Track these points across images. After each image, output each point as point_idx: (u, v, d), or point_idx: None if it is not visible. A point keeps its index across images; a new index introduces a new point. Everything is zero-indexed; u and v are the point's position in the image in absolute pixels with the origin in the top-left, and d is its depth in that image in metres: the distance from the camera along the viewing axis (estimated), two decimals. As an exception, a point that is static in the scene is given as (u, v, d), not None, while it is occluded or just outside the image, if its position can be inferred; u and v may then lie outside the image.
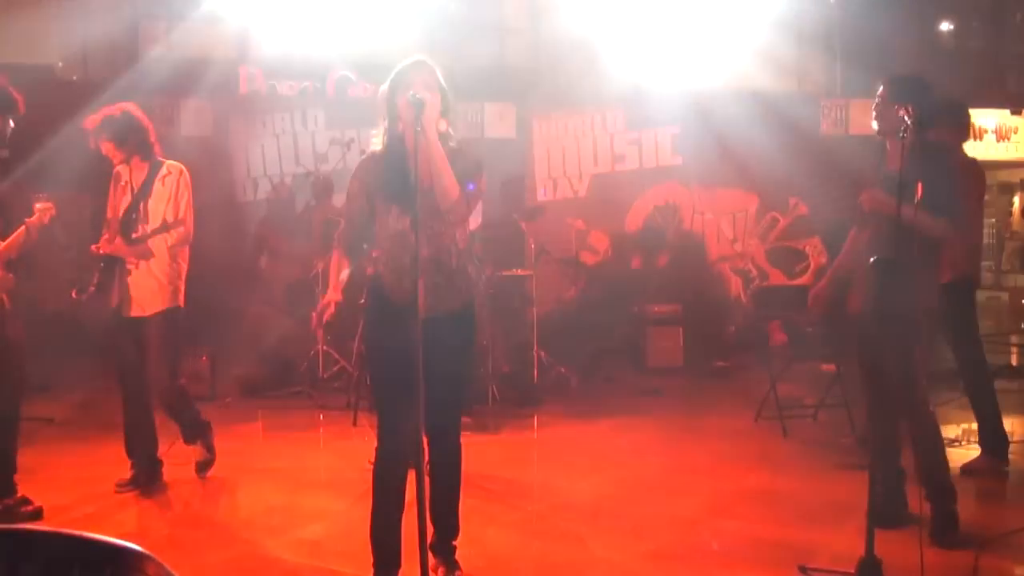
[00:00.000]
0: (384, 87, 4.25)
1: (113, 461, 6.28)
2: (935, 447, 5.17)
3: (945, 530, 4.93)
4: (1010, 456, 6.62)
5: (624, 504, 5.91)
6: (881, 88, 5.33)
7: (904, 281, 4.57)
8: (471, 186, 4.20)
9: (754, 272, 13.06)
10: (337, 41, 12.02)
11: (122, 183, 6.19)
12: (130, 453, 6.20)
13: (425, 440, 4.06)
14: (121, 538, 1.72)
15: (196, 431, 6.37)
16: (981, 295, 20.36)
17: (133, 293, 6.08)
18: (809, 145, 12.55)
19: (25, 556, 1.69)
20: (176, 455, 6.39)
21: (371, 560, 4.28)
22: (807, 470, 6.60)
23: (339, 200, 10.32)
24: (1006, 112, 18.99)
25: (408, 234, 4.08)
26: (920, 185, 4.78)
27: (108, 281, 6.12)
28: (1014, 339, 13.43)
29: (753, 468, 6.69)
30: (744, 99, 12.37)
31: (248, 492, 6.24)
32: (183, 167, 6.22)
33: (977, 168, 6.89)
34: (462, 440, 4.50)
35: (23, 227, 5.74)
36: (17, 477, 5.71)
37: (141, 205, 6.09)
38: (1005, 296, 20.22)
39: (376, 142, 4.35)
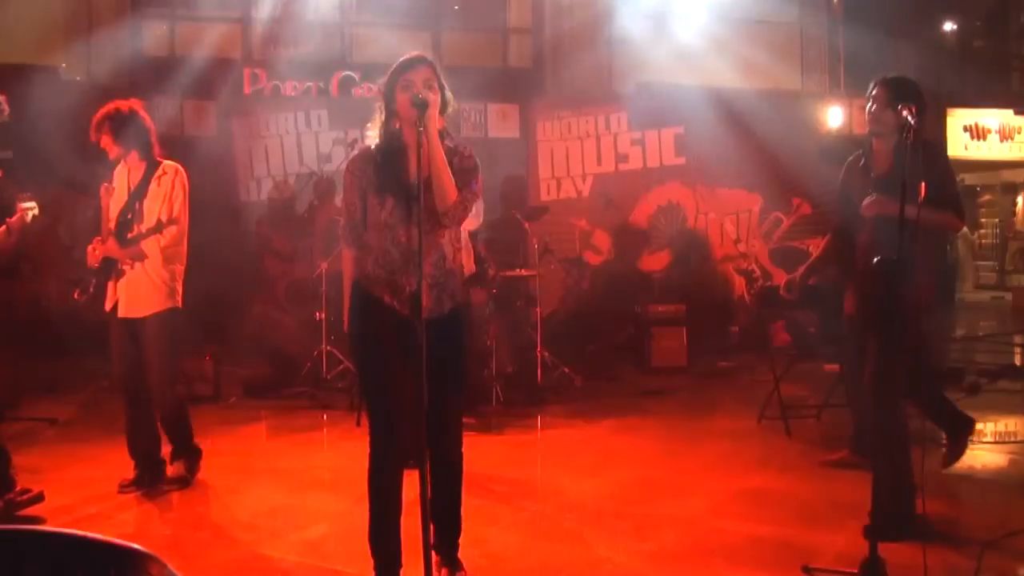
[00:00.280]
0: (382, 80, 4.22)
1: (116, 462, 6.28)
2: (903, 446, 5.13)
3: (890, 530, 4.65)
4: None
5: (627, 504, 5.90)
6: (876, 90, 5.33)
7: (908, 280, 4.58)
8: (472, 186, 4.17)
9: (757, 272, 13.07)
10: (341, 41, 12.02)
11: (114, 184, 6.16)
12: (133, 454, 6.19)
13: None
14: (124, 538, 1.72)
15: (185, 452, 6.31)
16: (984, 295, 20.27)
17: (128, 294, 6.05)
18: (812, 145, 12.56)
19: (28, 556, 1.69)
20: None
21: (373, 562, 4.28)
22: (810, 470, 6.59)
23: (339, 199, 10.35)
24: (1009, 112, 19.00)
25: (398, 228, 4.08)
26: (924, 185, 4.78)
27: (104, 282, 6.12)
28: (1017, 339, 13.40)
29: (756, 468, 6.69)
30: (747, 99, 12.37)
31: (251, 493, 6.24)
32: (179, 167, 6.17)
33: None
34: (465, 440, 4.49)
35: (3, 226, 5.74)
36: (20, 477, 5.71)
37: (136, 205, 6.06)
38: (1008, 296, 20.19)
39: (372, 135, 4.31)
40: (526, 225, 9.94)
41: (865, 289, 5.25)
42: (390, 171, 4.14)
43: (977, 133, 18.86)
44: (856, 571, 4.30)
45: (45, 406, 8.47)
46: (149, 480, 6.15)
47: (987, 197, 26.57)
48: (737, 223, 13.36)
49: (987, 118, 18.93)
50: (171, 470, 6.27)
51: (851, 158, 5.70)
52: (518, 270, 9.60)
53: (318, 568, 4.84)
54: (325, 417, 8.63)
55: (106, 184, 6.13)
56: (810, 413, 7.93)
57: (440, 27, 13.21)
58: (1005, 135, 19.13)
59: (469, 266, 6.52)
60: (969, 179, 24.96)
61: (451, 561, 4.46)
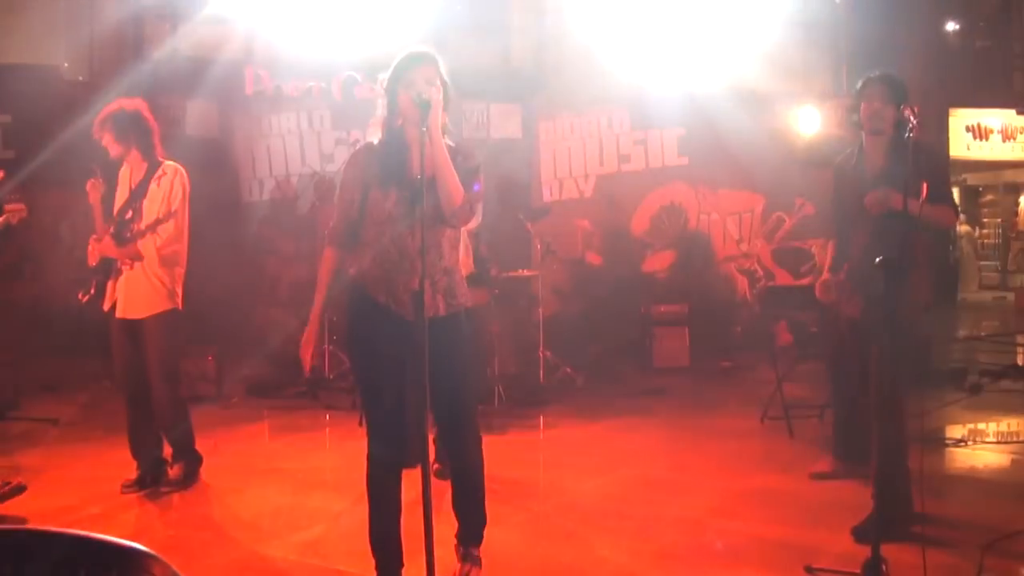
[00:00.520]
0: (384, 76, 4.19)
1: (118, 462, 6.29)
2: (902, 453, 5.13)
3: (880, 532, 4.47)
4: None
5: (630, 504, 5.91)
6: (873, 87, 5.30)
7: (909, 280, 4.59)
8: (476, 187, 4.15)
9: (760, 272, 13.06)
10: (343, 41, 12.02)
11: (109, 182, 6.14)
12: (135, 454, 6.19)
13: (431, 440, 4.04)
14: (127, 538, 1.72)
15: (184, 454, 6.30)
16: (987, 296, 20.26)
17: (127, 294, 6.05)
18: (815, 145, 12.55)
19: (31, 556, 1.69)
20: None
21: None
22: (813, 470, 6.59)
23: (337, 197, 10.33)
24: (1012, 112, 18.98)
25: (399, 224, 4.06)
26: (925, 183, 4.78)
27: (105, 281, 6.11)
28: (1020, 339, 13.39)
29: (759, 468, 6.69)
30: (750, 100, 12.36)
31: (254, 493, 6.24)
32: (180, 168, 6.15)
33: None
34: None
35: None
36: (22, 477, 5.72)
37: (136, 205, 6.05)
38: (1011, 296, 20.18)
39: (375, 131, 4.28)
40: (529, 226, 9.94)
41: (868, 290, 5.23)
42: (394, 166, 4.12)
43: (979, 133, 18.85)
44: (858, 571, 4.30)
45: (47, 406, 8.48)
46: (151, 480, 6.15)
47: (989, 197, 26.52)
48: (740, 223, 13.35)
49: (989, 118, 18.91)
50: (173, 471, 6.27)
51: (841, 157, 5.61)
52: (520, 271, 9.60)
53: (320, 568, 4.85)
54: (327, 417, 8.64)
55: (92, 180, 6.05)
56: (813, 413, 7.92)
57: (442, 27, 13.20)
58: (1007, 135, 19.12)
59: (468, 265, 6.51)
60: (971, 179, 24.93)
61: (470, 555, 4.46)
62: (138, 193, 6.07)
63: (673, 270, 13.01)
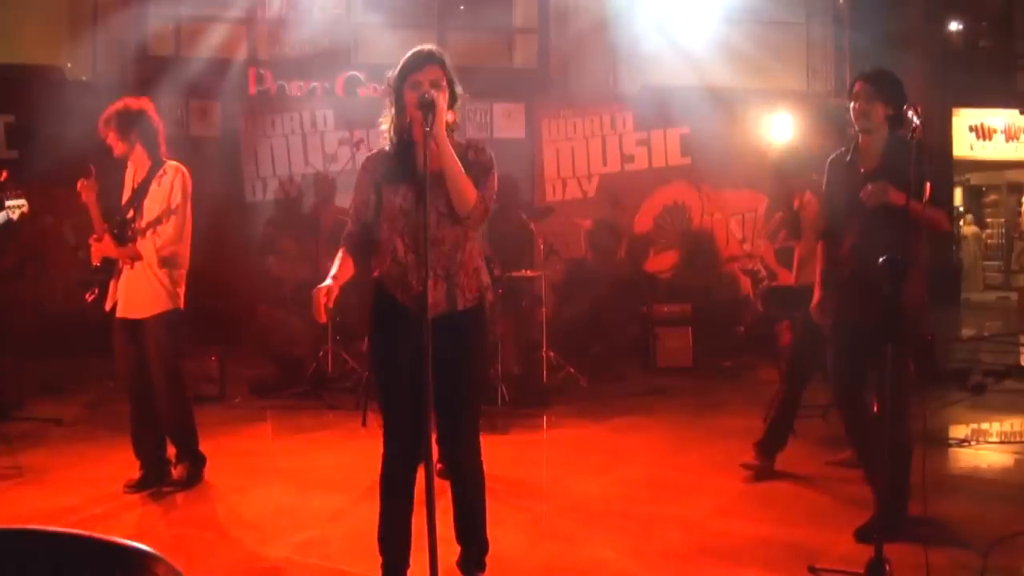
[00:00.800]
0: (392, 75, 4.18)
1: (122, 462, 6.29)
2: (906, 450, 5.12)
3: (883, 533, 4.49)
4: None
5: (633, 504, 5.91)
6: (858, 85, 5.26)
7: (911, 279, 4.57)
8: (488, 183, 4.13)
9: (763, 272, 13.05)
10: (346, 41, 12.03)
11: (106, 182, 6.14)
12: (138, 454, 6.19)
13: (434, 440, 4.03)
14: (130, 539, 1.72)
15: (187, 454, 6.28)
16: (990, 296, 20.25)
17: (128, 294, 6.04)
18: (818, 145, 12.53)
19: (34, 556, 1.69)
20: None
21: (380, 561, 4.28)
22: (816, 470, 6.59)
23: (342, 200, 10.35)
24: (1015, 112, 18.97)
25: (408, 219, 4.06)
26: (929, 183, 4.77)
27: (108, 281, 6.11)
28: (1023, 339, 13.38)
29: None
30: (753, 99, 12.37)
31: (257, 493, 6.24)
32: (181, 167, 6.12)
33: None
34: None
35: None
36: (26, 477, 5.73)
37: (138, 204, 6.05)
38: (1014, 296, 20.16)
39: (384, 128, 4.27)
40: (532, 226, 9.95)
41: (866, 291, 5.18)
42: (403, 165, 4.12)
43: (983, 133, 18.84)
44: (862, 571, 4.30)
45: (50, 406, 8.48)
46: (155, 480, 6.15)
47: (992, 197, 26.52)
48: (743, 223, 13.36)
49: (993, 118, 18.91)
50: (176, 471, 6.27)
51: (835, 155, 5.52)
52: (524, 271, 9.59)
53: (323, 568, 4.84)
54: (330, 417, 8.62)
55: (83, 180, 6.01)
56: (816, 413, 7.92)
57: (446, 27, 13.21)
58: (1011, 135, 19.12)
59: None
60: (975, 179, 24.93)
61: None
62: (140, 192, 6.06)
63: (676, 270, 13.02)
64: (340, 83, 12.77)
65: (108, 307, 6.10)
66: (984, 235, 25.30)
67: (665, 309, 11.19)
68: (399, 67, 4.12)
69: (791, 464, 6.61)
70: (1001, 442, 7.69)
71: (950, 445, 7.33)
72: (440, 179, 3.96)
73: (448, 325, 4.03)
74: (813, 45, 14.36)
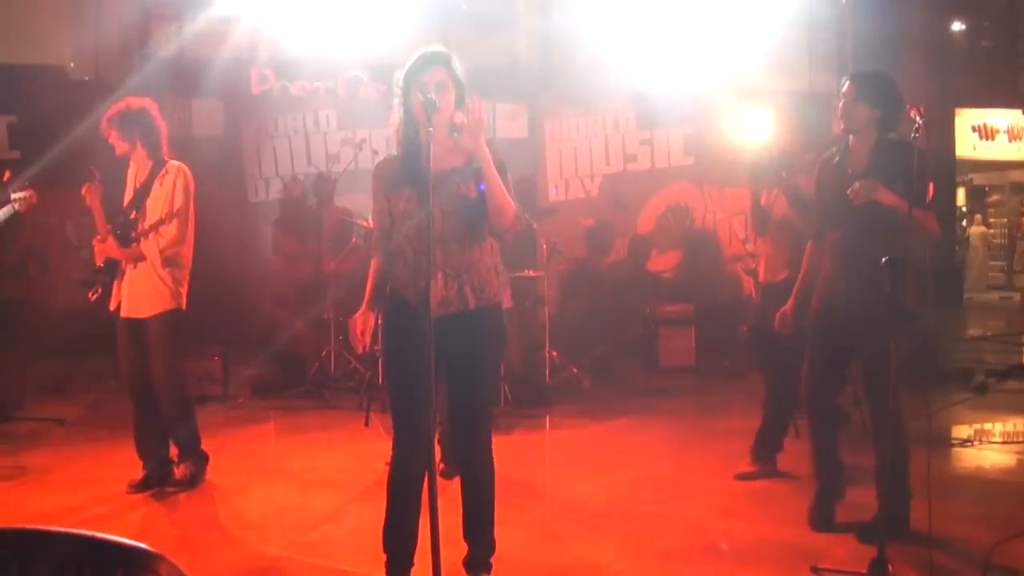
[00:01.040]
0: (399, 75, 4.17)
1: (124, 462, 6.29)
2: (905, 450, 5.11)
3: (885, 533, 4.52)
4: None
5: (635, 504, 5.91)
6: (847, 85, 5.24)
7: (911, 280, 4.57)
8: (482, 187, 4.13)
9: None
10: (349, 41, 12.02)
11: (105, 182, 6.14)
12: (141, 454, 6.19)
13: (436, 440, 4.03)
14: (133, 539, 1.72)
15: (190, 455, 6.29)
16: (992, 296, 20.20)
17: (130, 294, 6.05)
18: (820, 145, 12.53)
19: (37, 556, 1.69)
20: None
21: (383, 559, 4.28)
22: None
23: (341, 200, 10.36)
24: (1018, 112, 18.96)
25: (417, 216, 4.04)
26: (932, 184, 4.76)
27: (111, 281, 6.12)
28: (1026, 339, 13.38)
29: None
30: (755, 99, 12.35)
31: (260, 493, 6.24)
32: (183, 167, 6.12)
33: None
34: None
35: None
36: (28, 477, 5.73)
37: (140, 204, 6.05)
38: (1016, 296, 20.15)
39: (394, 124, 4.26)
40: (535, 225, 9.94)
41: (849, 290, 5.14)
42: (409, 167, 4.12)
43: (985, 133, 18.84)
44: (864, 572, 4.30)
45: (53, 406, 8.49)
46: (157, 480, 6.15)
47: (995, 197, 26.51)
48: (746, 222, 13.33)
49: (995, 118, 18.90)
50: (179, 471, 6.27)
51: (824, 156, 5.52)
52: (526, 270, 9.59)
53: (326, 568, 4.85)
54: (333, 417, 8.62)
55: (87, 185, 6.04)
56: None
57: (448, 26, 13.20)
58: (1014, 135, 19.12)
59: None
60: (977, 179, 24.92)
61: None
62: (142, 192, 6.06)
63: (679, 270, 12.99)
64: (343, 83, 12.76)
65: (112, 307, 6.11)
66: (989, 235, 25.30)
67: (668, 309, 11.18)
68: (406, 69, 4.13)
69: (792, 464, 6.60)
70: (1004, 442, 7.68)
71: (953, 445, 7.33)
72: (444, 179, 3.98)
73: (462, 323, 4.05)
74: (814, 45, 14.32)
